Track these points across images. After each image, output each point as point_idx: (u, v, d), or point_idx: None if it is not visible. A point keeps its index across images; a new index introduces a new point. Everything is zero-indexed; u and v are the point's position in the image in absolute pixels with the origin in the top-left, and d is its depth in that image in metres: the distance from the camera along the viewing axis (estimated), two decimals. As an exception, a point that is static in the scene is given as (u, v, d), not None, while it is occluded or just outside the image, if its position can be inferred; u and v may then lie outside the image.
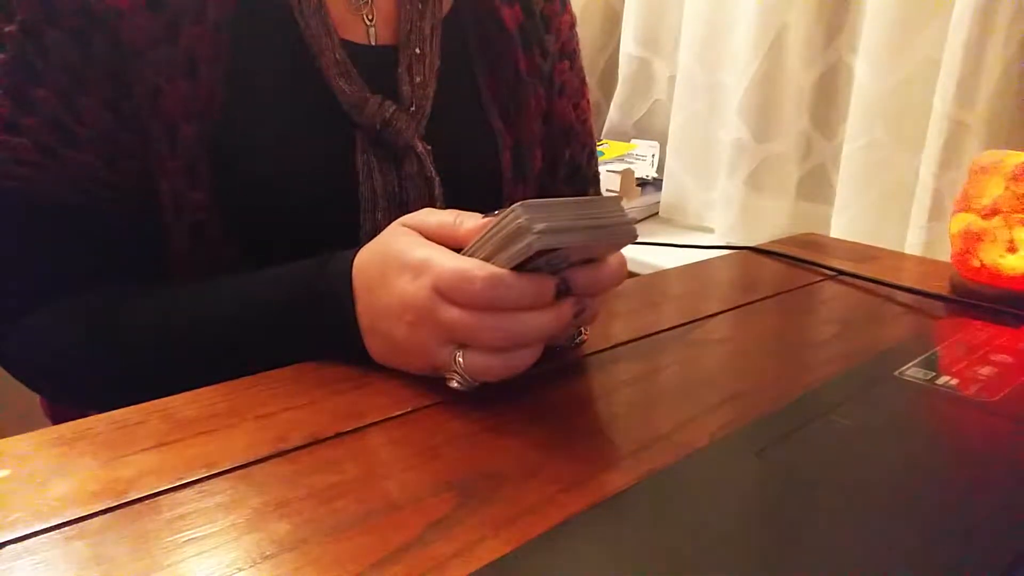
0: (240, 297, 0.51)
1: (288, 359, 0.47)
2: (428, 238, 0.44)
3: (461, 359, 0.42)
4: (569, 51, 0.76)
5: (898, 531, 0.33)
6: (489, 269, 0.40)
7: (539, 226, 0.38)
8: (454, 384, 0.43)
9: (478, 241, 0.42)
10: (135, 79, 0.53)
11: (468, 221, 0.44)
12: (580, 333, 0.51)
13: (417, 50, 0.62)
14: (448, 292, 0.41)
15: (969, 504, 0.35)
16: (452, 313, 0.41)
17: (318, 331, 0.48)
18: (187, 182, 0.54)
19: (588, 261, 0.44)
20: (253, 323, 0.50)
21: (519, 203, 0.39)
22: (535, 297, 0.41)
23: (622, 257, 0.46)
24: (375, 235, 0.48)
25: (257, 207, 0.57)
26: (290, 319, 0.49)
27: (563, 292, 0.43)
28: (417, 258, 0.43)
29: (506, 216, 0.40)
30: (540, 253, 0.39)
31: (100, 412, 0.41)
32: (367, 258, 0.46)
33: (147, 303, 0.54)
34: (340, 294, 0.46)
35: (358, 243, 0.48)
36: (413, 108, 0.60)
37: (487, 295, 0.40)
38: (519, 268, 0.40)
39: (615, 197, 0.43)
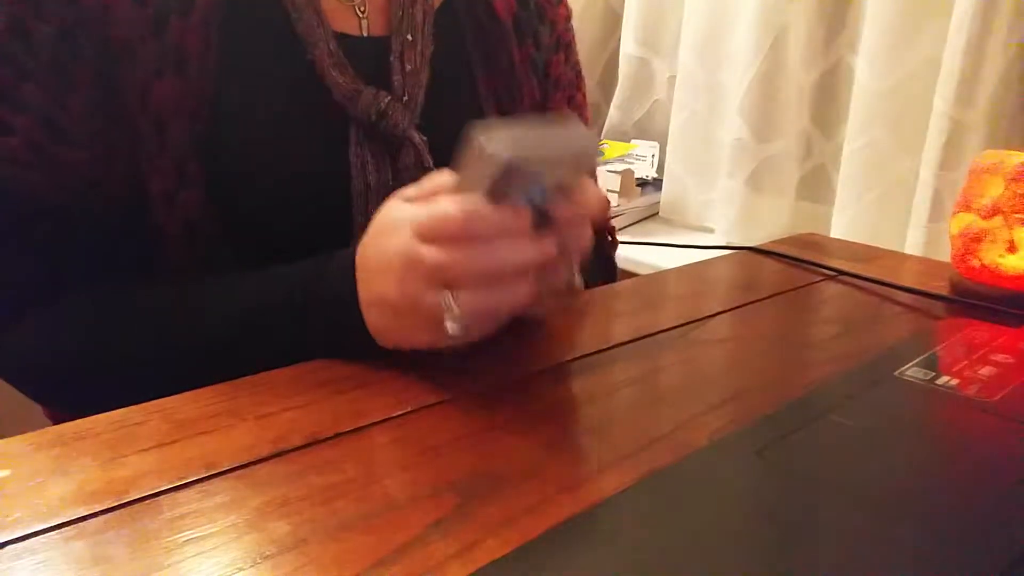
0: (243, 290, 0.51)
1: (293, 352, 0.47)
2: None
3: (452, 300, 0.42)
4: (564, 43, 0.75)
5: (898, 531, 0.33)
6: (462, 201, 0.41)
7: (498, 142, 0.39)
8: (450, 327, 0.43)
9: (454, 185, 0.43)
10: (124, 76, 0.52)
11: (439, 177, 0.45)
12: (574, 277, 0.50)
13: (408, 36, 0.61)
14: (427, 233, 0.42)
15: (969, 504, 0.35)
16: (434, 252, 0.42)
17: (325, 318, 0.48)
18: (178, 180, 0.54)
19: (566, 199, 0.44)
20: (260, 316, 0.50)
21: (476, 128, 0.40)
22: (512, 224, 0.41)
23: (598, 189, 0.46)
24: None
25: (250, 202, 0.56)
26: (298, 310, 0.49)
27: (545, 226, 0.43)
28: (401, 215, 0.44)
29: (470, 145, 0.40)
30: (510, 175, 0.39)
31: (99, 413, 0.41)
32: (366, 237, 0.47)
33: (146, 302, 0.54)
34: (343, 278, 0.47)
35: (351, 237, 0.48)
36: (406, 97, 0.60)
37: (463, 226, 0.41)
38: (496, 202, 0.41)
39: (570, 115, 0.44)
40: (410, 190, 0.46)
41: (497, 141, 0.39)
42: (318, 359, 0.48)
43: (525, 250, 0.42)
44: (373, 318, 0.46)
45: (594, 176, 0.45)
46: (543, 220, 0.43)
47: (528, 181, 0.41)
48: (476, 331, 0.44)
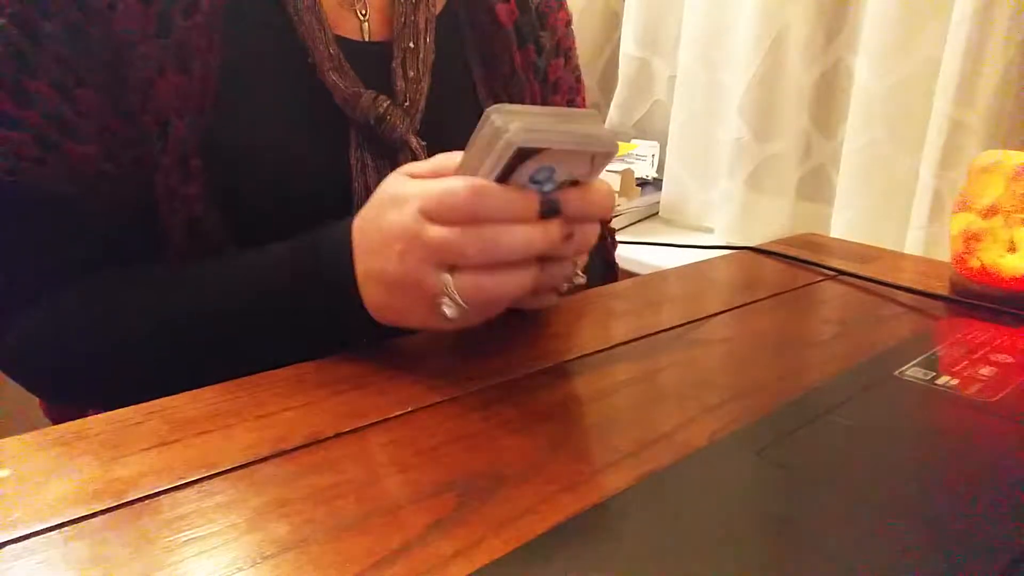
0: (243, 268, 0.52)
1: (292, 331, 0.47)
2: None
3: (451, 282, 0.42)
4: (564, 48, 0.75)
5: (898, 531, 0.33)
6: (471, 180, 0.40)
7: (515, 125, 0.38)
8: (446, 310, 0.42)
9: (462, 161, 0.42)
10: (128, 72, 0.53)
11: (457, 157, 0.44)
12: (577, 275, 0.49)
13: (411, 44, 0.61)
14: (433, 212, 0.41)
15: (969, 504, 0.35)
16: (437, 231, 0.41)
17: (320, 290, 0.48)
18: (180, 177, 0.54)
19: (576, 186, 0.44)
20: (257, 291, 0.51)
21: (493, 107, 0.39)
22: (519, 208, 0.41)
23: (609, 185, 0.46)
24: None
25: (251, 202, 0.57)
26: (292, 284, 0.49)
27: (552, 214, 0.42)
28: (405, 190, 0.43)
29: (483, 123, 0.40)
30: (520, 158, 0.39)
31: (99, 411, 0.41)
32: (363, 210, 0.47)
33: (147, 292, 0.55)
34: (340, 248, 0.47)
35: None
36: (407, 103, 0.60)
37: (470, 206, 0.40)
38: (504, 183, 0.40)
39: (592, 112, 0.43)
40: (415, 166, 0.46)
41: (513, 124, 0.38)
42: (317, 353, 0.48)
43: (531, 235, 0.41)
44: (370, 293, 0.46)
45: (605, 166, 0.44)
46: (551, 209, 0.42)
47: (539, 168, 0.40)
48: (474, 316, 0.43)
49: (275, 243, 0.52)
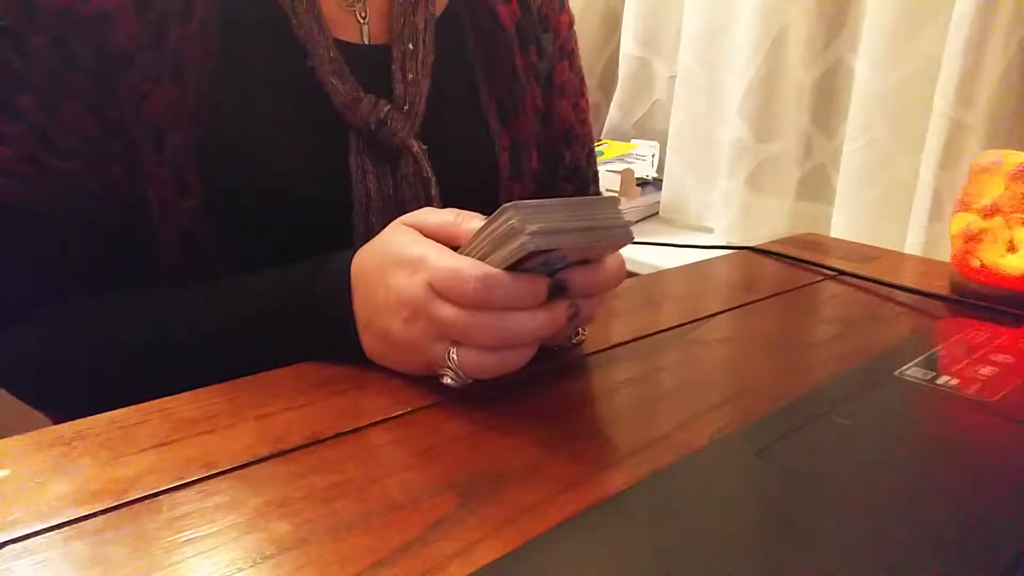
0: (238, 297, 0.51)
1: (286, 359, 0.47)
2: (428, 236, 0.45)
3: (455, 356, 0.42)
4: (568, 51, 0.75)
5: (898, 531, 0.33)
6: (483, 268, 0.41)
7: (531, 227, 0.39)
8: (447, 380, 0.43)
9: (473, 240, 0.42)
10: (121, 84, 0.52)
11: (468, 221, 0.44)
12: (577, 333, 0.51)
13: (409, 45, 0.61)
14: (442, 290, 0.41)
15: (969, 504, 0.35)
16: (446, 310, 0.41)
17: (316, 327, 0.48)
18: (175, 189, 0.53)
19: (585, 262, 0.44)
20: (252, 322, 0.50)
21: (511, 204, 0.39)
22: (528, 297, 0.41)
23: (621, 258, 0.46)
24: (368, 238, 0.48)
25: (248, 211, 0.56)
26: (288, 317, 0.49)
27: (560, 292, 0.43)
28: (414, 254, 0.43)
29: (499, 217, 0.40)
30: (534, 254, 0.39)
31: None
32: (366, 255, 0.46)
33: (142, 310, 0.54)
34: (338, 290, 0.47)
35: (351, 246, 0.48)
36: (407, 107, 0.60)
37: (480, 295, 0.40)
38: (514, 268, 0.41)
39: (611, 198, 0.43)
40: (426, 219, 0.46)
41: (529, 226, 0.39)
42: (314, 359, 0.48)
43: (537, 321, 0.42)
44: (370, 343, 0.47)
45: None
46: (558, 288, 0.43)
47: (551, 258, 0.41)
48: (472, 381, 0.44)
49: (271, 270, 0.51)
